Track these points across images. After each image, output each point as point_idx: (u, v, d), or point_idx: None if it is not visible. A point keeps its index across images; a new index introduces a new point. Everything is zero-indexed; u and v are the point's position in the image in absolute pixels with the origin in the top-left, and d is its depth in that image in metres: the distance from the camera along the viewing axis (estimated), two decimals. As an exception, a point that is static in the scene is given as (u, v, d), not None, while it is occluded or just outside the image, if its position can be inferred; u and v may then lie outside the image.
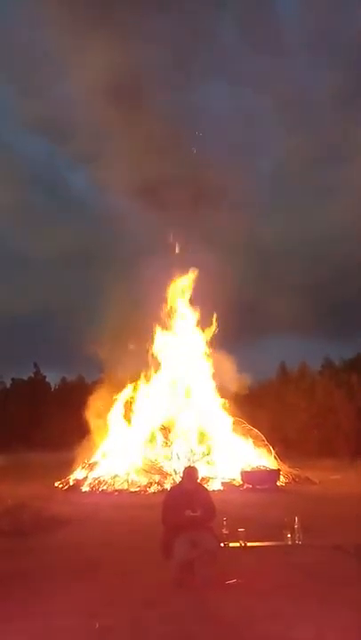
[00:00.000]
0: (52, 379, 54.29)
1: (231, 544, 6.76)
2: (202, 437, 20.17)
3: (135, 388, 22.17)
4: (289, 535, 6.91)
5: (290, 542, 6.85)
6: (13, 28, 58.66)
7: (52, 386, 53.45)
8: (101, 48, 47.70)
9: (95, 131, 57.90)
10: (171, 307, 23.12)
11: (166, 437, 20.08)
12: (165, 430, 20.39)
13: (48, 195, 64.85)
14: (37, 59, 61.46)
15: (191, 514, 6.35)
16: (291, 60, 59.60)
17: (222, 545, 6.59)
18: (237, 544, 6.79)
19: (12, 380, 52.38)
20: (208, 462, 18.76)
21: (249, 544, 6.85)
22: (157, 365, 22.51)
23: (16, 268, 58.85)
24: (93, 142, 58.93)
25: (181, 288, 23.35)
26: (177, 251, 23.88)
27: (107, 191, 58.42)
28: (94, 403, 22.62)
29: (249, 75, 60.35)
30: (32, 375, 52.26)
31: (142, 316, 22.89)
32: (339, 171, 59.52)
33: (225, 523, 6.89)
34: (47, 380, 53.27)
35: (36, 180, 64.50)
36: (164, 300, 23.12)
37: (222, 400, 21.67)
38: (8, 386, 52.17)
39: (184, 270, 23.47)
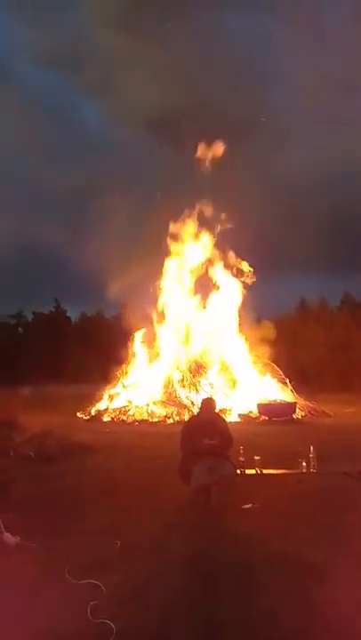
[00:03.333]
0: (73, 313, 54.94)
1: (247, 471, 7.00)
2: (221, 370, 20.49)
3: (156, 323, 22.38)
4: (304, 463, 7.12)
5: (304, 470, 7.08)
6: None
7: (73, 320, 54.18)
8: None
9: (107, 61, 55.66)
10: (190, 242, 22.89)
11: (186, 370, 20.43)
12: (185, 363, 20.72)
13: (60, 127, 63.19)
14: None
15: (209, 442, 6.57)
16: None
17: (239, 472, 6.83)
18: (253, 471, 7.03)
19: (34, 313, 53.17)
20: (226, 395, 19.14)
21: (264, 471, 7.09)
22: (178, 299, 22.58)
23: (32, 201, 58.25)
24: (105, 73, 56.72)
25: (200, 223, 23.03)
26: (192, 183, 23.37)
27: (118, 121, 56.70)
28: (115, 336, 22.96)
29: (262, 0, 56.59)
30: (53, 309, 52.90)
31: (161, 250, 22.77)
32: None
33: (242, 451, 7.11)
34: (68, 314, 53.93)
35: (47, 111, 62.69)
36: (183, 234, 22.88)
37: (242, 334, 21.82)
38: (29, 319, 53.02)
39: (202, 204, 23.07)
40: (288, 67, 53.06)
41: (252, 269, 22.47)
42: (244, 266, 22.52)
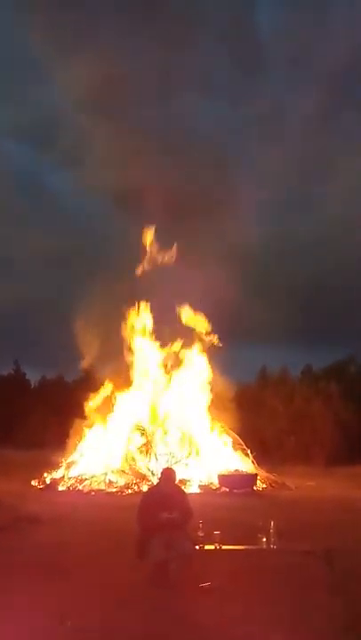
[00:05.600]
0: (33, 376, 53.73)
1: (206, 547, 6.80)
2: (181, 440, 20.20)
3: (115, 389, 22.12)
4: (264, 539, 6.97)
5: (265, 546, 6.91)
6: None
7: (32, 383, 52.95)
8: (84, 59, 48.12)
9: (76, 136, 58.19)
10: (150, 311, 23.12)
11: (145, 439, 20.07)
12: (144, 432, 20.37)
13: (30, 198, 64.75)
14: (21, 66, 61.72)
15: (167, 515, 6.38)
16: (271, 75, 60.27)
17: (197, 547, 6.62)
18: (212, 547, 6.83)
19: (-9, 375, 51.80)
20: (186, 465, 18.78)
21: (224, 547, 6.89)
22: (137, 367, 22.49)
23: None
24: (75, 147, 59.08)
25: (162, 292, 23.38)
26: (158, 257, 23.87)
27: (89, 196, 58.58)
28: (74, 402, 22.57)
29: (230, 89, 60.92)
30: (12, 372, 51.72)
31: (122, 319, 22.88)
32: (322, 184, 60.25)
33: (201, 525, 6.94)
34: (27, 377, 52.73)
35: (18, 184, 64.37)
36: (144, 303, 23.14)
37: (202, 403, 21.72)
38: (-14, 382, 51.58)
39: (165, 275, 23.50)
40: (253, 151, 56.12)
41: (214, 338, 22.69)
42: (206, 335, 22.75)
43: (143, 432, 20.30)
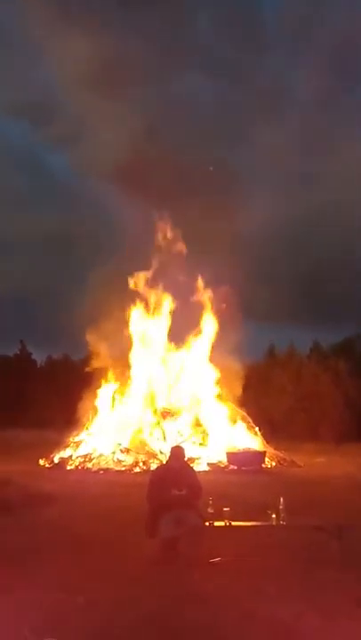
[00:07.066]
0: (39, 356, 53.91)
1: (216, 523, 6.79)
2: (190, 418, 20.23)
3: (122, 368, 22.11)
4: (273, 515, 6.95)
5: (274, 523, 6.89)
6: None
7: (39, 363, 53.14)
8: (80, 37, 47.54)
9: (75, 115, 57.77)
10: (160, 290, 23.00)
11: (154, 418, 20.12)
12: (153, 410, 20.42)
13: (30, 178, 64.36)
14: (18, 44, 61.10)
15: (177, 492, 6.35)
16: (272, 53, 59.35)
17: (207, 524, 6.61)
18: (222, 523, 6.82)
19: (-3, 356, 51.95)
20: (194, 443, 18.83)
21: (234, 523, 6.88)
22: (146, 346, 22.45)
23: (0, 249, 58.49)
24: (74, 126, 58.82)
25: (169, 272, 23.22)
26: (159, 234, 23.72)
27: (87, 174, 58.38)
28: (80, 381, 22.61)
29: (229, 66, 60.16)
30: (18, 352, 51.87)
31: (127, 297, 22.79)
32: (323, 160, 59.63)
33: (210, 502, 6.92)
34: (33, 357, 52.88)
35: (17, 163, 63.92)
36: (149, 282, 23.02)
37: (211, 381, 21.69)
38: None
39: (169, 253, 23.33)
40: (250, 128, 55.60)
41: (222, 316, 22.57)
42: (214, 314, 22.64)
43: (152, 410, 20.35)
